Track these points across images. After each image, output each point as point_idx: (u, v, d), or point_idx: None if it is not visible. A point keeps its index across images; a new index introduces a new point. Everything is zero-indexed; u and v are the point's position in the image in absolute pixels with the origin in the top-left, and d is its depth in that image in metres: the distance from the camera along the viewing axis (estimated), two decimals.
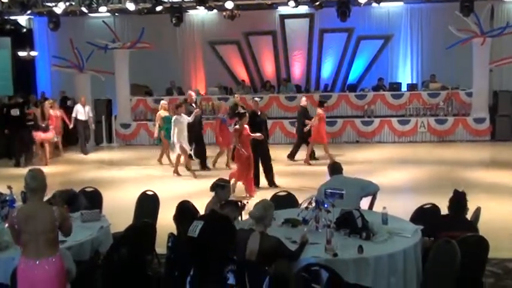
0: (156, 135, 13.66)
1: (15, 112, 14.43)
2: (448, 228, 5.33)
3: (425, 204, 6.39)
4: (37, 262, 4.35)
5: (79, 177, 12.22)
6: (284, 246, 4.79)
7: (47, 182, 4.54)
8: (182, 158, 12.19)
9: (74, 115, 15.66)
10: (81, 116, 15.81)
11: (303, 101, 13.95)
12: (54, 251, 4.43)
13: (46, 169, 11.98)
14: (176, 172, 12.23)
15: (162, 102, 14.05)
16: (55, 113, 15.16)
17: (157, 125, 13.47)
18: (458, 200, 5.69)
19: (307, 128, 13.07)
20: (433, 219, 5.76)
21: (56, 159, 14.92)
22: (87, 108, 15.98)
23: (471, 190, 10.06)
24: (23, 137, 14.25)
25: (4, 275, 4.80)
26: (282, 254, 4.71)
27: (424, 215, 6.17)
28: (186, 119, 12.00)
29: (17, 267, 4.45)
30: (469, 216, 5.88)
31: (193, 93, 14.01)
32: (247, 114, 10.51)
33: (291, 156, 13.52)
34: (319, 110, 13.21)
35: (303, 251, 4.80)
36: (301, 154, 13.49)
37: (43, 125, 14.35)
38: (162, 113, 13.42)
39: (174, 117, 11.95)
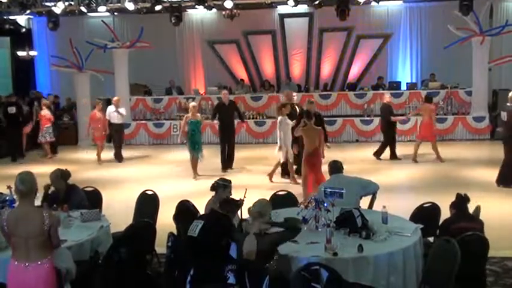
0: (181, 140, 12.23)
1: (11, 110, 15.17)
2: (455, 222, 5.45)
3: (425, 203, 6.39)
4: (27, 265, 4.34)
5: (78, 176, 12.16)
6: (279, 237, 4.78)
7: (37, 186, 4.51)
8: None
9: (107, 117, 14.24)
10: (114, 119, 14.31)
11: (387, 97, 13.79)
12: (44, 255, 4.41)
13: (46, 169, 12.04)
14: (271, 178, 11.29)
15: (191, 104, 12.44)
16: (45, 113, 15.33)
17: (182, 129, 12.03)
18: (460, 202, 5.71)
19: (402, 118, 13.01)
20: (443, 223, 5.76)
21: (55, 159, 14.97)
22: (121, 109, 14.45)
23: (471, 188, 10.08)
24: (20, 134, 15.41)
25: (3, 275, 4.79)
26: (280, 242, 4.74)
27: (424, 214, 6.19)
28: (291, 122, 10.95)
29: (7, 270, 4.44)
30: None
31: (294, 93, 13.16)
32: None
33: (377, 154, 13.45)
34: (431, 106, 13.11)
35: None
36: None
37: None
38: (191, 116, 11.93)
39: (279, 119, 11.04)
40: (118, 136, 14.53)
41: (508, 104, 10.47)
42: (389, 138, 13.47)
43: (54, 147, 15.85)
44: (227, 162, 12.80)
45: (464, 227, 5.25)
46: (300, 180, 10.28)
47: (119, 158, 14.44)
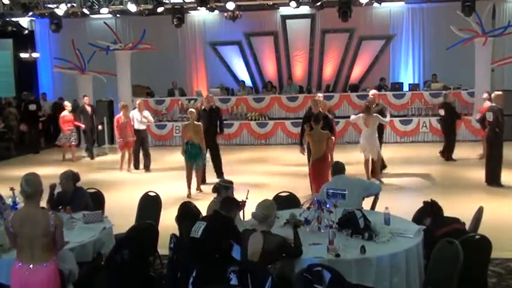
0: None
1: (32, 107, 16.85)
2: (439, 227, 5.39)
3: None
4: (31, 266, 4.35)
5: (81, 178, 12.18)
6: (287, 243, 4.80)
7: (42, 187, 4.52)
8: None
9: (131, 122, 12.98)
10: (138, 125, 13.03)
11: (451, 96, 13.62)
12: (49, 257, 4.42)
13: (48, 171, 12.07)
14: (378, 178, 10.73)
15: (190, 110, 11.02)
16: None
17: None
18: (431, 209, 5.68)
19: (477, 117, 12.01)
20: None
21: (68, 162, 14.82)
22: (146, 113, 13.39)
23: (473, 190, 10.17)
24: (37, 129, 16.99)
25: (8, 276, 4.80)
26: (285, 250, 4.73)
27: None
28: (383, 120, 11.01)
29: (12, 270, 4.45)
30: (471, 216, 5.89)
31: (375, 91, 12.63)
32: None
33: (445, 155, 13.24)
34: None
35: (301, 245, 4.82)
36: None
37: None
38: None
39: (374, 116, 10.90)
40: (145, 144, 13.29)
41: (493, 104, 10.49)
42: (453, 137, 13.35)
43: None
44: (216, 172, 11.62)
45: (448, 231, 5.21)
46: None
47: (147, 167, 13.20)
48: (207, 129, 10.95)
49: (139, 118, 13.03)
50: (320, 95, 13.60)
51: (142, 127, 13.16)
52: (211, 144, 11.20)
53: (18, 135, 17.96)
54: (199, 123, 10.70)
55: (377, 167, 11.01)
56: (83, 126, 15.22)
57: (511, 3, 18.08)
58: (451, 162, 13.05)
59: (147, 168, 13.19)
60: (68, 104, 15.29)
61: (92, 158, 15.36)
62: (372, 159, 10.95)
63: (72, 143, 14.98)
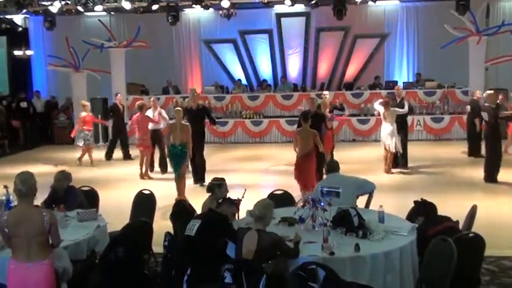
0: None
1: (23, 104, 17.78)
2: (432, 225, 5.39)
3: None
4: (28, 265, 4.34)
5: (75, 176, 12.03)
6: (282, 241, 4.81)
7: (36, 186, 4.51)
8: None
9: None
10: (152, 125, 12.31)
11: (477, 93, 13.59)
12: (45, 255, 4.42)
13: (42, 169, 12.04)
14: (389, 171, 11.73)
15: (176, 109, 10.50)
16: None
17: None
18: (423, 209, 5.71)
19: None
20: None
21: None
22: (162, 112, 12.77)
23: (467, 188, 10.20)
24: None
25: (1, 275, 4.78)
26: (280, 249, 4.73)
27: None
28: (400, 111, 11.64)
29: (7, 270, 4.44)
30: (465, 214, 5.91)
31: (400, 87, 13.11)
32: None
33: (475, 154, 13.16)
34: None
35: (299, 250, 4.82)
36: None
37: None
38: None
39: (391, 109, 11.47)
40: (161, 145, 12.21)
41: (486, 104, 10.51)
42: (476, 134, 13.33)
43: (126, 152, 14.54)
44: (198, 174, 11.12)
45: (440, 230, 5.24)
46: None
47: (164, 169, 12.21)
48: (193, 130, 10.20)
49: (158, 117, 12.38)
50: (326, 93, 13.56)
51: (158, 127, 12.49)
52: (197, 146, 10.51)
53: (11, 133, 17.88)
54: (187, 123, 10.12)
55: (390, 158, 11.73)
56: (106, 123, 14.82)
57: (505, 3, 18.14)
58: (473, 158, 13.05)
59: (164, 169, 12.23)
60: (86, 103, 14.20)
61: (109, 159, 14.49)
62: (390, 151, 11.57)
63: (91, 144, 13.93)
